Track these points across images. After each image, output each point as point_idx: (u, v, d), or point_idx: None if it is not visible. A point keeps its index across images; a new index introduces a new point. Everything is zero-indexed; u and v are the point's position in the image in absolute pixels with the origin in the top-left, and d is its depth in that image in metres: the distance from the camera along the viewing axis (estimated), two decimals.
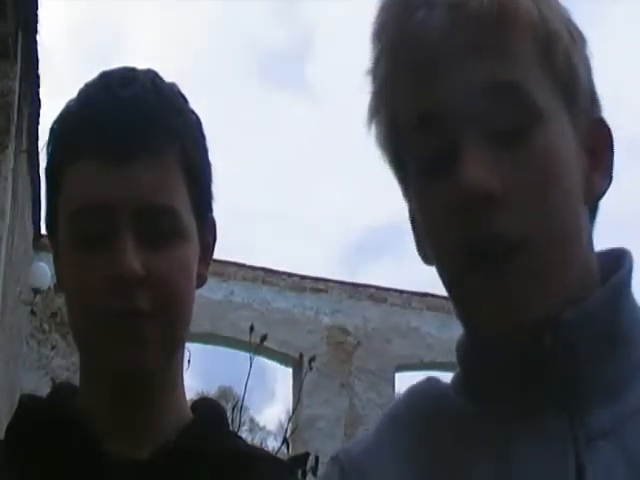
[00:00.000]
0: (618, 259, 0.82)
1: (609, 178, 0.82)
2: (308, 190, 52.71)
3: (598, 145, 0.82)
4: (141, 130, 0.93)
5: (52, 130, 1.00)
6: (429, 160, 0.79)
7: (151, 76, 0.97)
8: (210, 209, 1.03)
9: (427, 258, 0.85)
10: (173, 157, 0.95)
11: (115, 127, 0.92)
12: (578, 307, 0.76)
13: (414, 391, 0.90)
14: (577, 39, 0.81)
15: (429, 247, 0.83)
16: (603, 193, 0.82)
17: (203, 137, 1.01)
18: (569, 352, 0.76)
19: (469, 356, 0.84)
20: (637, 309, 0.81)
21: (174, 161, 0.95)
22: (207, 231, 1.02)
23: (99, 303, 0.91)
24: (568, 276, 0.77)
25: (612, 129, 0.83)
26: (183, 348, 1.01)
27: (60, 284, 1.00)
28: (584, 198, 0.80)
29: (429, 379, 0.90)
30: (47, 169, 1.00)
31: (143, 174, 0.92)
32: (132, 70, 0.98)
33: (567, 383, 0.77)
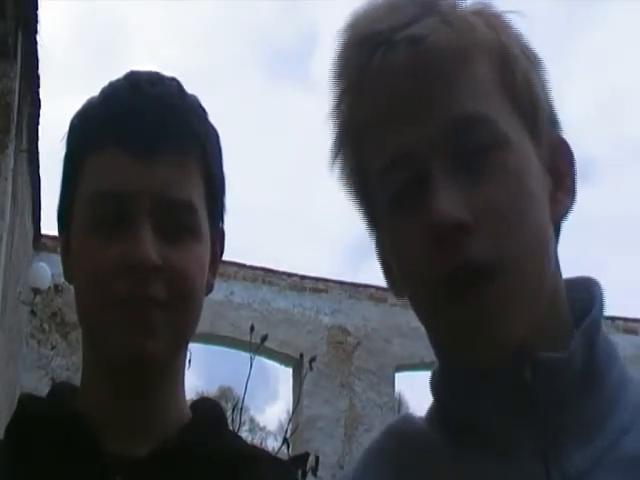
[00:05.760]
0: (589, 291, 0.83)
1: (572, 196, 0.84)
2: (309, 189, 52.76)
3: (560, 164, 0.83)
4: (167, 127, 0.94)
5: (73, 122, 1.00)
6: (398, 194, 0.79)
7: (176, 82, 1.00)
8: (222, 220, 1.04)
9: (397, 290, 0.86)
10: (195, 160, 0.97)
11: (142, 120, 0.93)
12: (556, 351, 0.76)
13: (392, 430, 0.90)
14: (534, 61, 0.82)
15: (402, 279, 0.82)
16: (567, 211, 0.83)
17: (221, 149, 1.03)
18: (547, 391, 0.76)
19: (445, 390, 0.85)
20: (608, 342, 0.81)
21: (195, 164, 0.97)
22: (217, 240, 1.03)
23: (113, 288, 0.91)
24: (543, 293, 0.78)
25: (572, 148, 0.84)
26: (186, 348, 1.01)
27: (69, 272, 1.00)
28: (551, 217, 0.80)
29: (405, 416, 0.91)
30: (67, 157, 1.00)
31: (166, 168, 0.94)
32: (158, 73, 1.00)
33: (543, 422, 0.77)
